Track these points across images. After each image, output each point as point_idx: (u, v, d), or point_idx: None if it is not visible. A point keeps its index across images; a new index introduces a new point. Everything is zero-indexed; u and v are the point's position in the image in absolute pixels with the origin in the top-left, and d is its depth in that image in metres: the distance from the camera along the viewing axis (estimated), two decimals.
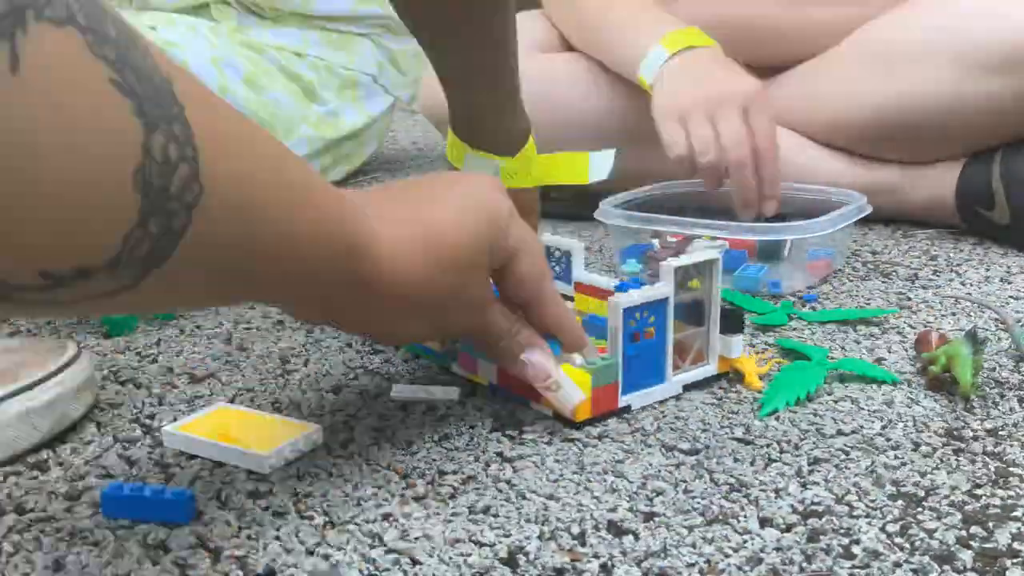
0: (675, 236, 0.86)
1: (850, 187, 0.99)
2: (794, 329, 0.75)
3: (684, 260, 0.61)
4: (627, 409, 0.60)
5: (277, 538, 0.47)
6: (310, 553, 0.45)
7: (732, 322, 0.63)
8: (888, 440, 0.56)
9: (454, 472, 0.53)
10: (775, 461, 0.54)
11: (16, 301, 0.31)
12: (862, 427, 0.58)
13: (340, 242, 0.45)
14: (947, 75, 0.97)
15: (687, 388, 0.63)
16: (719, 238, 0.84)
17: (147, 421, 0.60)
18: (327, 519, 0.48)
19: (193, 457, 0.55)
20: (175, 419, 0.60)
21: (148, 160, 0.31)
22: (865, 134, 1.04)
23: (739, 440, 0.56)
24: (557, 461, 0.54)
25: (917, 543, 0.45)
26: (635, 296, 0.59)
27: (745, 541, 0.46)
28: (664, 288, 0.60)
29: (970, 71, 0.96)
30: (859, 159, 1.07)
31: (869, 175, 1.06)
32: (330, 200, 0.45)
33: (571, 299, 0.73)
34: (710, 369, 0.64)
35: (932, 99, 0.98)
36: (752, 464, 0.53)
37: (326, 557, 0.45)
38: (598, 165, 0.75)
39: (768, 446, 0.55)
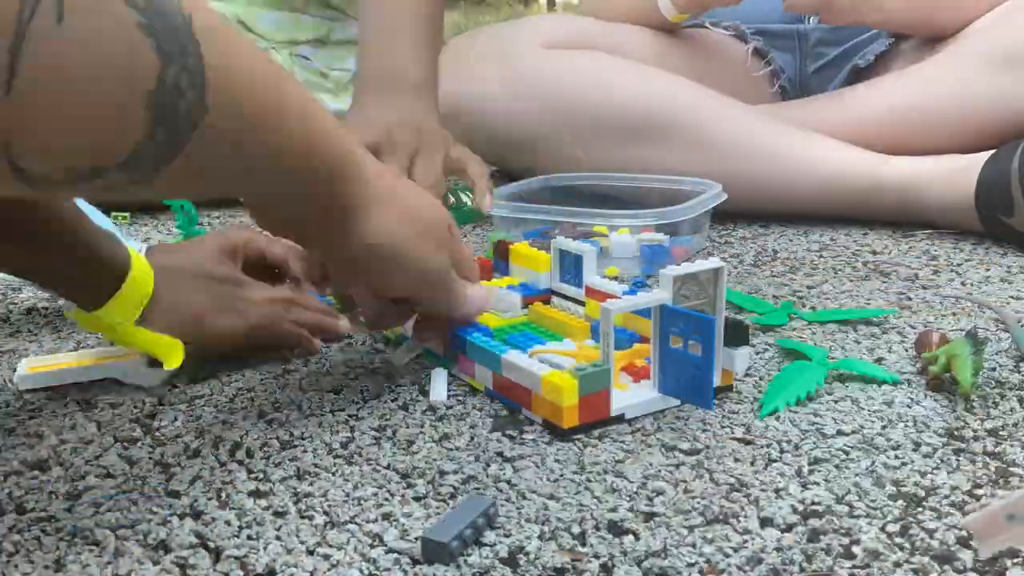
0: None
1: (862, 186, 1.01)
2: (794, 329, 0.75)
3: (685, 269, 0.59)
4: (621, 418, 0.58)
5: (278, 538, 0.47)
6: (310, 553, 0.45)
7: (737, 334, 0.61)
8: (888, 440, 0.56)
9: (454, 472, 0.53)
10: (775, 461, 0.54)
11: (53, 188, 0.40)
12: (862, 427, 0.58)
13: (328, 160, 0.51)
14: None
15: (685, 400, 0.61)
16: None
17: (147, 421, 0.60)
18: (327, 519, 0.48)
19: (194, 456, 0.55)
20: (175, 419, 0.60)
21: (160, 86, 0.38)
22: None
23: (739, 440, 0.56)
24: (557, 461, 0.54)
25: (917, 543, 0.45)
26: (628, 302, 0.58)
27: (745, 541, 0.46)
28: (661, 295, 0.58)
29: None
30: (869, 155, 1.07)
31: (881, 174, 1.06)
32: (322, 126, 0.50)
33: (582, 303, 0.72)
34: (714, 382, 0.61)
35: None
36: (752, 464, 0.53)
37: (326, 557, 0.45)
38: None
39: (768, 446, 0.55)
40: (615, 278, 0.80)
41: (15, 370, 0.66)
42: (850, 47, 1.26)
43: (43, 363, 0.67)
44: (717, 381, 0.62)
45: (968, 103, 1.07)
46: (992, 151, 1.00)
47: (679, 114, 1.08)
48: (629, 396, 0.59)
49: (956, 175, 1.01)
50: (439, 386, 0.64)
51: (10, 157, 0.35)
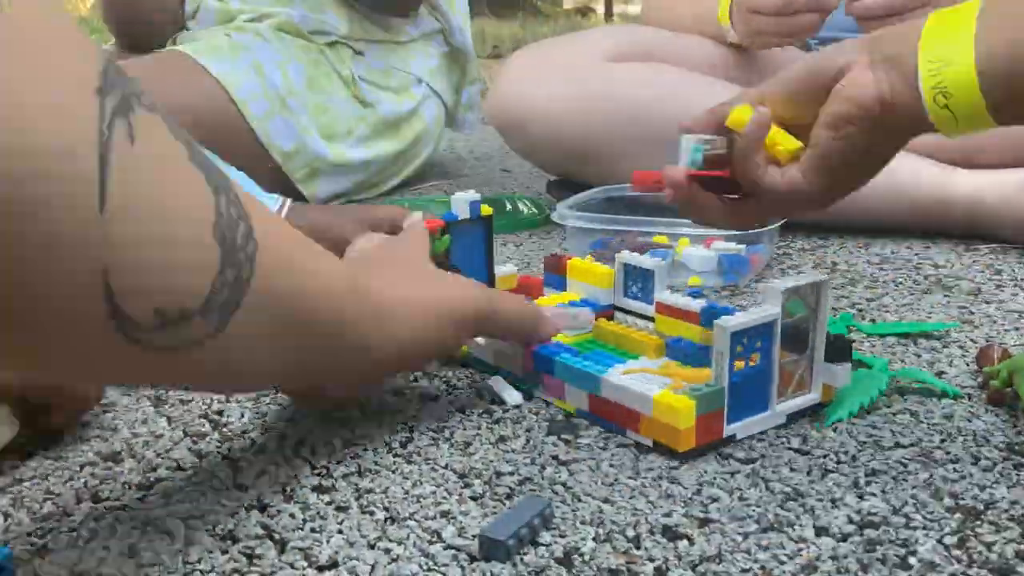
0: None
1: (931, 200, 1.01)
2: (853, 342, 0.75)
3: (791, 282, 0.58)
4: (732, 439, 0.57)
5: (340, 531, 0.48)
6: (371, 547, 0.47)
7: (839, 349, 0.61)
8: (947, 453, 0.56)
9: (511, 473, 0.54)
10: (832, 472, 0.54)
11: (138, 341, 0.38)
12: (921, 440, 0.57)
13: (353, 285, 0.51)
14: None
15: (790, 418, 0.60)
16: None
17: (216, 417, 0.62)
18: (387, 515, 0.50)
19: (260, 451, 0.57)
20: (242, 415, 0.62)
21: (219, 217, 0.39)
22: None
23: (795, 450, 0.56)
24: (612, 466, 0.55)
25: (975, 556, 0.45)
26: (742, 319, 0.56)
27: (800, 549, 0.46)
28: (772, 311, 0.57)
29: None
30: (937, 169, 1.06)
31: (948, 189, 1.05)
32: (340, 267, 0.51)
33: (651, 319, 0.70)
34: (814, 397, 0.61)
35: None
36: (808, 474, 0.53)
37: (387, 551, 0.46)
38: None
39: (825, 457, 0.55)
40: (697, 289, 0.80)
41: None
42: None
43: None
44: (818, 397, 0.61)
45: None
46: None
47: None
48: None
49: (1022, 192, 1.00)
50: (508, 389, 0.64)
51: (110, 295, 0.35)
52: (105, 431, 0.61)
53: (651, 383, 0.58)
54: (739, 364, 0.57)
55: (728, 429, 0.57)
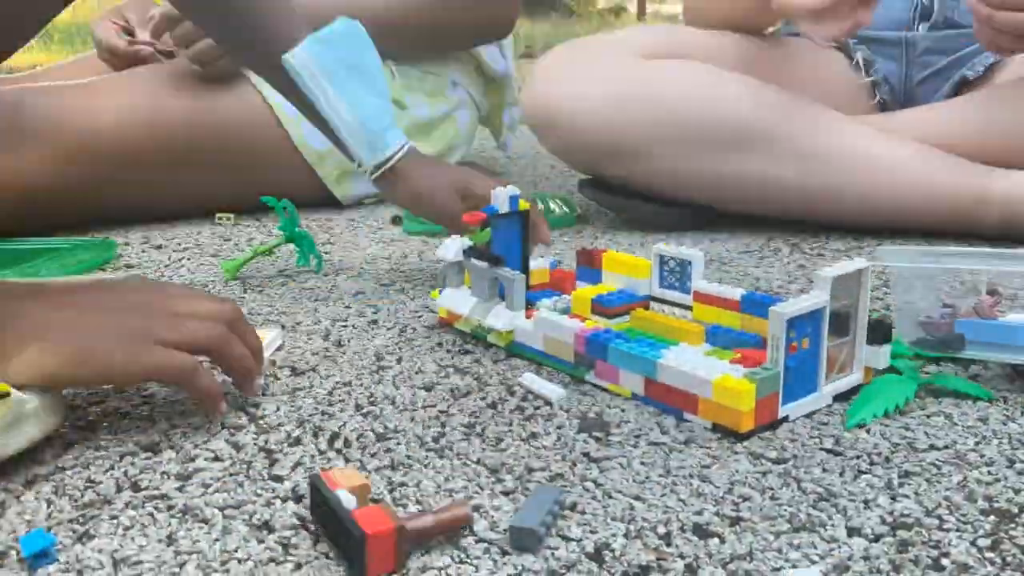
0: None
1: (968, 199, 1.00)
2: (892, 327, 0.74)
3: (839, 270, 0.60)
4: (785, 420, 0.60)
5: None
6: None
7: (879, 332, 0.63)
8: (982, 456, 0.55)
9: (542, 469, 0.54)
10: (865, 473, 0.53)
11: None
12: (955, 442, 0.57)
13: None
14: None
15: (836, 399, 0.63)
16: None
17: (251, 410, 0.63)
18: (420, 508, 0.50)
19: (295, 444, 0.58)
20: (278, 408, 0.63)
21: None
22: None
23: (828, 451, 0.56)
24: (643, 464, 0.55)
25: (1009, 558, 0.45)
26: (797, 306, 0.58)
27: (832, 549, 0.46)
28: (822, 297, 0.59)
29: None
30: (983, 168, 1.05)
31: (987, 188, 1.04)
32: None
33: (689, 308, 0.72)
34: (856, 378, 0.64)
35: None
36: (841, 475, 0.53)
37: (419, 544, 0.47)
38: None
39: (858, 458, 0.55)
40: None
41: None
42: (960, 56, 1.22)
43: None
44: (860, 377, 0.64)
45: None
46: None
47: (783, 125, 1.08)
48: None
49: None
50: (548, 385, 0.65)
51: None
52: (144, 422, 0.62)
53: (709, 367, 0.60)
54: (792, 348, 0.59)
55: (783, 410, 0.59)
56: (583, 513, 0.50)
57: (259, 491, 0.52)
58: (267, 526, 0.49)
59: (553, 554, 0.46)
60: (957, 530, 0.47)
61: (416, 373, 0.70)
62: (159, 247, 1.14)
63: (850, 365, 0.64)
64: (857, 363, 0.64)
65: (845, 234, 1.11)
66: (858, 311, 0.63)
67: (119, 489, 0.53)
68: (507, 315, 0.72)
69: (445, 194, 0.89)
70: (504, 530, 0.48)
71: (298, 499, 0.51)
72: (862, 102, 1.25)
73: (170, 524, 0.49)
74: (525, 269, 0.80)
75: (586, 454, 0.56)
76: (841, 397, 0.63)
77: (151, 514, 0.50)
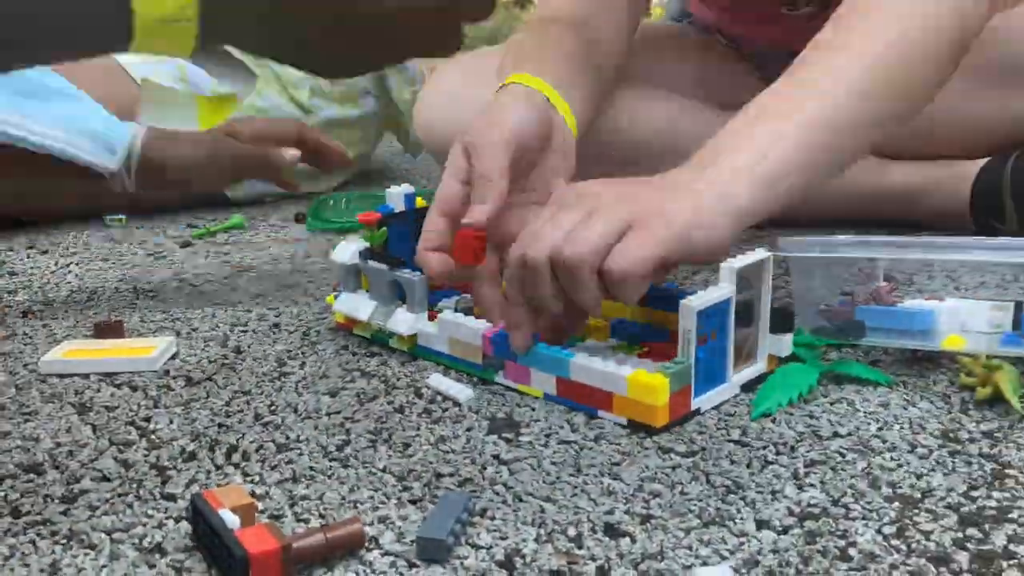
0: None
1: (866, 192, 1.02)
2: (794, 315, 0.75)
3: (742, 261, 0.61)
4: (697, 412, 0.60)
5: None
6: None
7: (782, 320, 0.64)
8: (884, 442, 0.56)
9: (451, 474, 0.53)
10: (771, 463, 0.54)
11: None
12: (858, 429, 0.58)
13: None
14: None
15: (743, 388, 0.63)
16: None
17: (143, 424, 0.60)
18: (323, 522, 0.48)
19: (190, 459, 0.55)
20: (171, 421, 0.60)
21: None
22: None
23: (735, 442, 0.56)
24: (554, 463, 0.54)
25: (914, 545, 0.45)
26: (705, 298, 0.58)
27: (742, 543, 0.46)
28: (728, 289, 0.60)
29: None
30: (873, 162, 1.07)
31: (884, 181, 1.06)
32: None
33: None
34: (761, 367, 0.64)
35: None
36: (748, 466, 0.53)
37: (323, 560, 0.45)
38: None
39: (764, 448, 0.55)
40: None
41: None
42: None
43: (74, 349, 0.71)
44: (764, 367, 0.64)
45: (971, 113, 1.07)
46: (987, 159, 1.01)
47: (680, 138, 1.07)
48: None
49: (953, 182, 1.03)
50: (456, 386, 0.63)
51: None
52: (27, 441, 0.58)
53: (622, 363, 0.60)
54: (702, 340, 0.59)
55: (695, 403, 0.59)
56: (493, 519, 0.48)
57: (150, 512, 0.49)
58: (159, 549, 0.46)
59: (462, 564, 0.44)
60: (863, 518, 0.48)
61: (320, 378, 0.67)
62: (45, 252, 1.08)
63: (755, 354, 0.64)
64: (761, 352, 0.64)
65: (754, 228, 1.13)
66: (761, 301, 0.63)
67: None
68: (409, 318, 0.70)
69: (226, 147, 0.87)
70: (411, 541, 0.46)
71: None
72: (747, 77, 1.24)
73: (53, 552, 0.46)
74: None
75: (496, 456, 0.55)
76: (747, 386, 0.63)
77: (32, 541, 0.47)
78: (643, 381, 0.57)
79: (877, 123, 0.70)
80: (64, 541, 0.47)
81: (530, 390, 0.63)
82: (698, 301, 0.58)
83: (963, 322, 0.72)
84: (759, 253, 0.62)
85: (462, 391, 0.63)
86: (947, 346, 0.68)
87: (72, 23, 0.43)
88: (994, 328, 0.72)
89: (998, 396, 0.60)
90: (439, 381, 0.64)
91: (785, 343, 0.64)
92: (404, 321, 0.70)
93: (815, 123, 0.65)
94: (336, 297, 0.76)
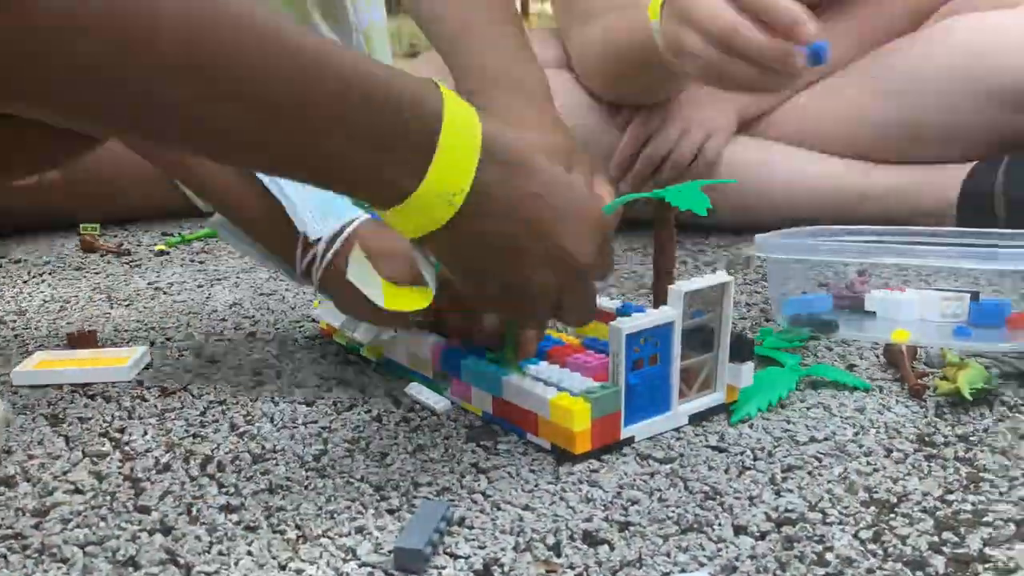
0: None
1: (850, 191, 1.04)
2: (757, 343, 0.76)
3: (696, 284, 0.57)
4: (630, 441, 0.57)
5: (249, 553, 0.46)
6: (282, 568, 0.45)
7: (742, 349, 0.60)
8: (861, 447, 0.56)
9: (428, 484, 0.52)
10: (749, 469, 0.54)
11: None
12: (835, 434, 0.58)
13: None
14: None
15: (692, 419, 0.59)
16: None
17: (116, 435, 0.59)
18: (300, 533, 0.48)
19: (164, 471, 0.54)
20: (145, 432, 0.59)
21: None
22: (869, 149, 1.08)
23: (713, 448, 0.56)
24: (532, 471, 0.54)
25: (890, 550, 0.45)
26: (639, 321, 0.55)
27: (720, 549, 0.46)
28: (670, 312, 0.56)
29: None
30: (856, 163, 1.08)
31: (867, 180, 1.07)
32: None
33: None
34: (718, 397, 0.60)
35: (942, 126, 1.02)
36: (726, 472, 0.53)
37: (299, 572, 0.44)
38: None
39: (742, 454, 0.56)
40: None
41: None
42: None
43: (46, 360, 0.71)
44: (722, 397, 0.61)
45: (952, 121, 1.09)
46: (972, 163, 1.03)
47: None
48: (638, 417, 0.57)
49: (939, 181, 1.05)
50: (433, 395, 0.63)
51: None
52: None
53: (561, 385, 0.57)
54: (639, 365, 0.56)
55: (626, 431, 0.56)
56: (471, 528, 0.48)
57: (123, 524, 0.49)
58: (132, 563, 0.45)
59: (440, 573, 0.44)
60: (840, 523, 0.48)
61: (297, 387, 0.67)
62: (18, 261, 1.07)
63: (713, 383, 0.61)
64: (720, 382, 0.61)
65: (725, 231, 1.13)
66: (721, 326, 0.59)
67: None
68: (374, 329, 0.68)
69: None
70: (389, 551, 0.46)
71: (167, 531, 0.48)
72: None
73: (25, 566, 0.45)
74: None
75: (474, 464, 0.55)
76: (703, 415, 0.60)
77: (3, 556, 0.46)
78: (563, 405, 0.54)
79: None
80: (36, 555, 0.46)
81: (472, 408, 0.61)
82: (629, 323, 0.55)
83: (921, 314, 0.75)
84: (719, 276, 0.59)
85: (439, 400, 0.62)
86: (894, 338, 0.69)
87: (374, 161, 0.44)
88: (946, 318, 0.74)
89: (958, 391, 0.61)
90: (418, 390, 0.64)
91: (745, 373, 0.60)
92: (369, 331, 0.68)
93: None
94: (320, 303, 0.75)
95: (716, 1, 0.80)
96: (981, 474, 0.53)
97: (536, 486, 0.52)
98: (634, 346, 0.55)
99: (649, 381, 0.57)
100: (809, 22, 0.77)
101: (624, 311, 0.65)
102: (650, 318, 0.56)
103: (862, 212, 1.09)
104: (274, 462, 0.55)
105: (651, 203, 0.64)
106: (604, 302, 0.68)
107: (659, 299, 0.56)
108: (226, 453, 0.57)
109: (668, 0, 0.84)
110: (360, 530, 0.48)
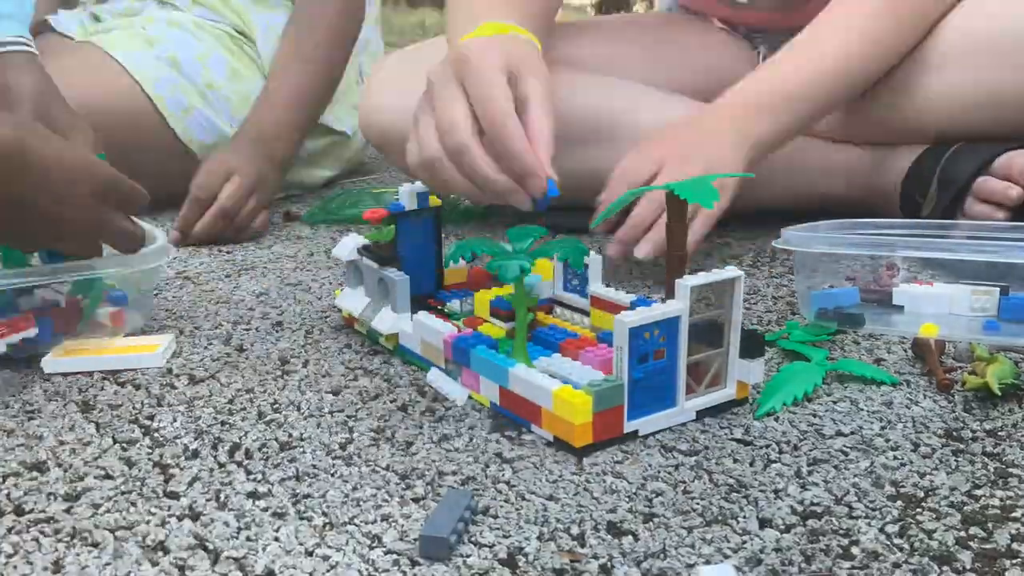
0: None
1: (815, 166, 1.05)
2: (766, 339, 0.75)
3: (702, 279, 0.56)
4: (634, 435, 0.56)
5: (276, 539, 0.47)
6: (309, 554, 0.45)
7: (753, 344, 0.59)
8: (887, 441, 0.56)
9: (453, 473, 0.53)
10: (774, 462, 0.54)
11: None
12: (861, 428, 0.58)
13: None
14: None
15: (701, 414, 0.59)
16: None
17: (146, 422, 0.60)
18: (326, 520, 0.48)
19: (193, 457, 0.55)
20: (174, 419, 0.60)
21: None
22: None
23: (738, 441, 0.56)
24: (556, 462, 0.54)
25: (916, 544, 0.45)
26: (644, 314, 0.55)
27: (744, 542, 0.46)
28: (676, 306, 0.56)
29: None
30: (820, 143, 1.08)
31: (829, 158, 1.07)
32: None
33: (587, 313, 0.70)
34: (728, 393, 0.60)
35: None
36: (751, 465, 0.53)
37: (325, 558, 0.45)
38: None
39: (767, 447, 0.55)
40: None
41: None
42: None
43: (77, 348, 0.71)
44: (733, 393, 0.60)
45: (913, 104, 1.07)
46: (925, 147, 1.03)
47: (618, 116, 1.05)
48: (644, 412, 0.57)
49: (890, 162, 1.04)
50: (453, 387, 0.63)
51: None
52: (30, 439, 0.58)
53: (567, 377, 0.57)
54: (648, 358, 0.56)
55: (629, 425, 0.56)
56: (496, 517, 0.48)
57: (153, 510, 0.49)
58: (162, 547, 0.46)
59: (465, 562, 0.44)
60: (866, 517, 0.48)
61: (323, 377, 0.67)
62: None
63: (723, 379, 0.60)
64: (730, 377, 0.60)
65: (749, 222, 1.13)
66: (731, 322, 0.59)
67: (1, 513, 0.49)
68: (391, 317, 0.69)
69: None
70: (414, 539, 0.46)
71: (195, 517, 0.49)
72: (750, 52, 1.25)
73: (56, 549, 0.46)
74: (440, 269, 0.78)
75: (499, 455, 0.55)
76: (712, 411, 0.59)
77: (36, 539, 0.47)
78: (565, 397, 0.54)
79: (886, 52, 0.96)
80: (67, 539, 0.47)
81: (481, 398, 0.61)
82: (633, 317, 0.54)
83: (950, 308, 0.74)
84: (729, 271, 0.58)
85: (459, 390, 0.62)
86: (922, 333, 0.68)
87: None
88: (976, 313, 0.74)
89: (986, 386, 0.60)
90: (437, 377, 0.64)
91: (756, 369, 0.59)
92: (386, 320, 0.69)
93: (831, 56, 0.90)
94: (342, 291, 0.76)
95: (459, 109, 0.74)
96: (1009, 469, 0.52)
97: (560, 476, 0.52)
98: (639, 339, 0.55)
99: (654, 375, 0.56)
100: (542, 171, 0.71)
101: (641, 303, 0.65)
102: (655, 312, 0.55)
103: (824, 184, 1.08)
104: (301, 450, 0.56)
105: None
106: (621, 295, 0.68)
107: (670, 292, 0.56)
108: (254, 440, 0.57)
109: (446, 60, 0.78)
110: (386, 518, 0.48)
